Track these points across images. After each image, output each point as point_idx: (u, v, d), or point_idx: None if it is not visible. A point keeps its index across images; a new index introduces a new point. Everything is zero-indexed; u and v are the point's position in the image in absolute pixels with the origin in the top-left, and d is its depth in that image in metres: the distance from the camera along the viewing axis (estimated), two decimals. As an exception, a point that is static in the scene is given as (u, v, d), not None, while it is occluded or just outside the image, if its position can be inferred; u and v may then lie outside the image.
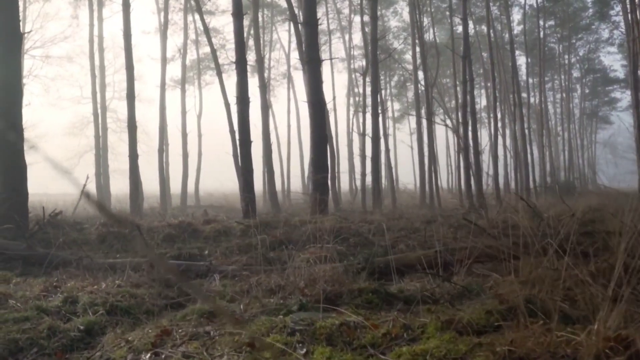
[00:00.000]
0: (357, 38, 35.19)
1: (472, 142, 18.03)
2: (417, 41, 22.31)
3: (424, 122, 27.06)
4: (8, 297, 3.30)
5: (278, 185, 21.49)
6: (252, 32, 25.39)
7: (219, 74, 13.67)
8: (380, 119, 19.76)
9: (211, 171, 29.39)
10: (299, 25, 14.22)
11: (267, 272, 4.05)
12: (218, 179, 32.16)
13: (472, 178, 17.22)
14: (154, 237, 6.55)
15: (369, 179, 19.21)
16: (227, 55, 25.99)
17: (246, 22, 27.29)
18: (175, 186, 23.52)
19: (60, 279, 4.41)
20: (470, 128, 17.89)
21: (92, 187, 22.30)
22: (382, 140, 21.54)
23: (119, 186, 23.30)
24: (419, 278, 4.59)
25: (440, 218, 9.35)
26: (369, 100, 21.04)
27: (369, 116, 20.65)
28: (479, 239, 5.86)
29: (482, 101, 35.61)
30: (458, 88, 23.56)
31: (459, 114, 25.67)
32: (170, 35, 22.29)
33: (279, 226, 7.04)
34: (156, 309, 2.99)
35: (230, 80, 21.16)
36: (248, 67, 27.61)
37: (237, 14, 8.63)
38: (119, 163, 26.74)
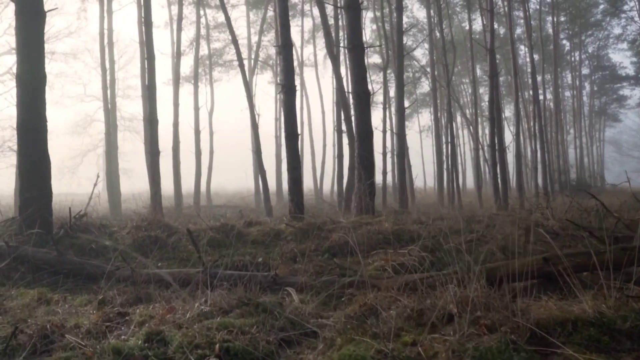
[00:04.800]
0: (367, 35, 34.26)
1: (498, 139, 17.24)
2: (437, 35, 21.52)
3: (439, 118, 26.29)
4: (60, 328, 2.46)
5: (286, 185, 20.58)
6: (264, 26, 24.62)
7: (241, 65, 12.76)
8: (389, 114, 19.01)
9: (218, 170, 28.47)
10: (326, 8, 13.29)
11: (373, 290, 3.25)
12: (220, 178, 31.31)
13: (499, 176, 16.42)
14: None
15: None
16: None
17: (258, 15, 26.51)
18: (184, 185, 22.64)
19: (107, 296, 3.61)
20: (496, 124, 17.13)
21: (101, 187, 21.54)
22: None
23: (124, 186, 22.45)
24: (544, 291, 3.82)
25: (486, 219, 8.61)
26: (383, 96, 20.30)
27: (386, 112, 19.93)
28: (582, 243, 5.10)
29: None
30: (469, 85, 22.83)
31: (477, 110, 25.02)
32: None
33: (334, 229, 6.24)
34: (273, 348, 2.18)
35: (237, 78, 20.36)
36: (258, 63, 26.76)
37: (282, -7, 7.79)
38: (121, 162, 25.85)
